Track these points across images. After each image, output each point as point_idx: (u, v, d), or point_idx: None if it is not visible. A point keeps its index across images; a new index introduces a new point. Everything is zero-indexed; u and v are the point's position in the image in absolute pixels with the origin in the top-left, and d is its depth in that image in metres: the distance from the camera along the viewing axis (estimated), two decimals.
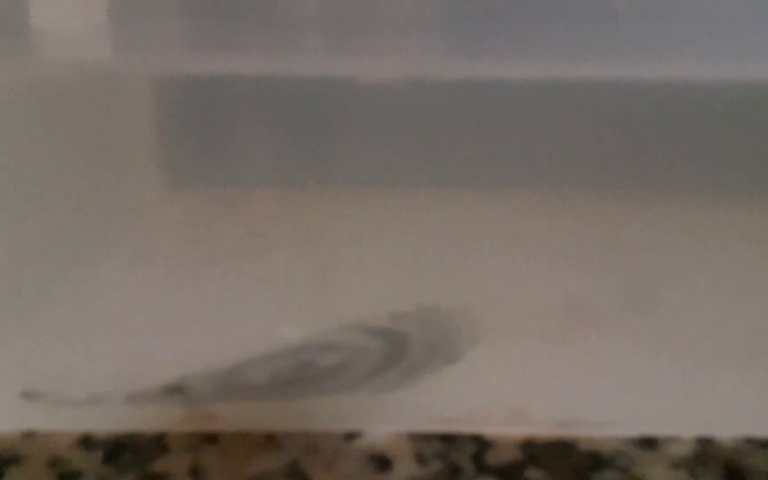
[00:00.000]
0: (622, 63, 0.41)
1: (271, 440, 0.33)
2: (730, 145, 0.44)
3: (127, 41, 0.43)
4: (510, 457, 0.32)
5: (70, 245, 0.41)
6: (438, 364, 0.34)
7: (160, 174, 0.48)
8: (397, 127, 0.47)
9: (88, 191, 0.42)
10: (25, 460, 0.33)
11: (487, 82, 0.44)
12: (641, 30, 0.40)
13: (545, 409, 0.34)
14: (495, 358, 0.35)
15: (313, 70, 0.43)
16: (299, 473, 0.32)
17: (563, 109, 0.45)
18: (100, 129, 0.43)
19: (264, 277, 0.41)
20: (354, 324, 0.35)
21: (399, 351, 0.34)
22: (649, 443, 0.33)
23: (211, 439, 0.33)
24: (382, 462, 0.32)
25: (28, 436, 0.34)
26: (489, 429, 0.33)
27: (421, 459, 0.32)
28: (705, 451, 0.33)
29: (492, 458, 0.32)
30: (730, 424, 0.34)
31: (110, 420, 0.34)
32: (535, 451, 0.33)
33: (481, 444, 0.33)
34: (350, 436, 0.33)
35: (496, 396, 0.34)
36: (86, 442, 0.34)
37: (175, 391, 0.33)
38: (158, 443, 0.33)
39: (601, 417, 0.34)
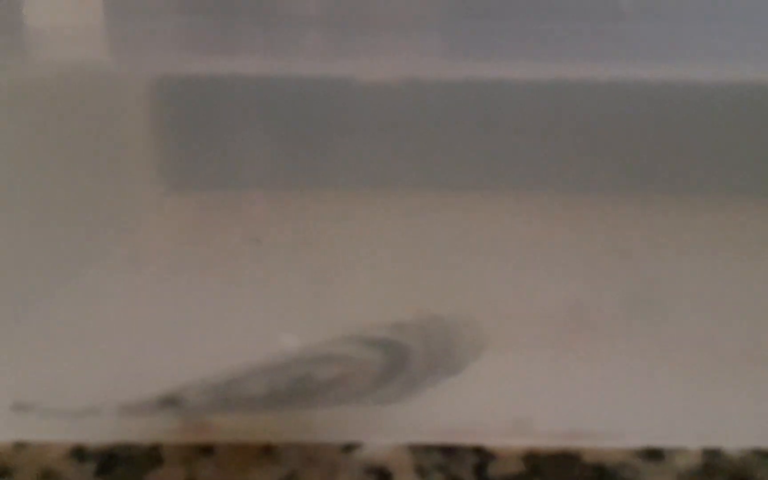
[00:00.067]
0: (627, 64, 0.40)
1: (268, 452, 0.32)
2: (737, 148, 0.43)
3: (123, 41, 0.43)
4: (512, 470, 0.32)
5: (63, 250, 0.40)
6: (439, 376, 0.33)
7: (156, 177, 0.47)
8: (397, 129, 0.47)
9: (83, 195, 0.41)
10: (16, 472, 0.32)
11: (488, 82, 0.43)
12: (646, 30, 0.39)
13: (548, 420, 0.33)
14: (497, 367, 0.35)
15: (311, 70, 0.42)
16: None
17: (565, 111, 0.45)
18: (95, 131, 0.43)
19: (262, 282, 0.41)
20: (353, 335, 0.34)
21: (399, 363, 0.33)
22: (655, 455, 0.33)
23: (206, 450, 0.33)
24: (381, 474, 0.32)
25: (20, 447, 0.33)
26: (491, 441, 0.33)
27: (421, 471, 0.32)
28: (712, 463, 0.32)
29: (494, 471, 0.32)
30: (738, 435, 0.33)
31: (103, 431, 0.33)
32: (538, 464, 0.32)
33: (482, 456, 0.32)
34: (349, 448, 0.33)
35: (498, 406, 0.34)
36: (79, 453, 0.33)
37: (171, 403, 0.32)
38: (152, 455, 0.33)
39: (605, 428, 0.33)
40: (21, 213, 0.39)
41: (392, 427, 0.33)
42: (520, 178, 0.46)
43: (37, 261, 0.39)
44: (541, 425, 0.33)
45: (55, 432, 0.33)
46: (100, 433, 0.33)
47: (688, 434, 0.33)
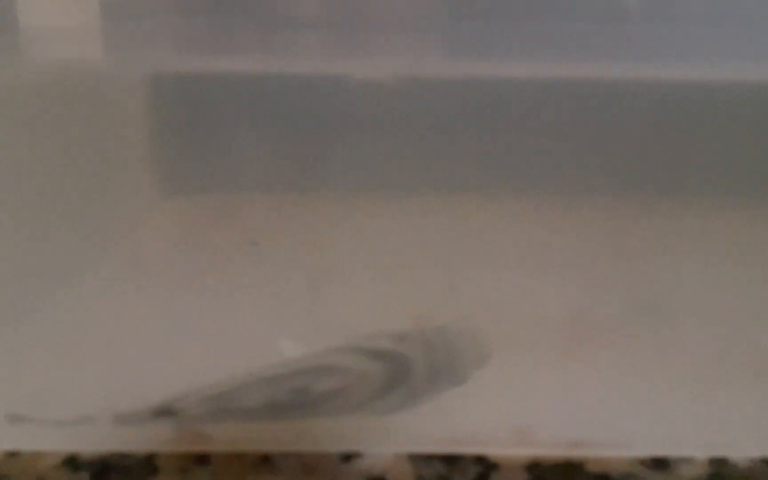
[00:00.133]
0: (630, 63, 0.40)
1: (265, 462, 0.32)
2: (742, 150, 0.43)
3: (119, 40, 0.42)
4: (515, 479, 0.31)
5: (57, 256, 0.39)
6: (442, 387, 0.33)
7: (152, 180, 0.47)
8: (397, 131, 0.46)
9: (77, 199, 0.41)
10: None
11: (489, 82, 0.43)
12: (649, 30, 0.39)
13: (552, 429, 0.33)
14: (498, 374, 0.34)
15: (310, 68, 0.42)
16: None
17: (568, 112, 0.44)
18: (90, 133, 0.42)
19: (260, 287, 0.40)
20: (354, 346, 0.33)
21: (401, 375, 0.33)
22: (660, 464, 0.32)
23: (202, 459, 0.32)
24: None
25: (12, 456, 0.33)
26: (493, 450, 0.32)
27: None
28: (719, 472, 0.32)
29: None
30: (745, 443, 0.33)
31: (97, 440, 0.33)
32: (542, 473, 0.32)
33: (485, 466, 0.32)
34: (348, 458, 0.32)
35: (500, 414, 0.33)
36: (72, 462, 0.32)
37: (167, 413, 0.32)
38: (147, 464, 0.32)
39: (610, 437, 0.33)
40: (14, 218, 0.38)
41: (392, 436, 0.32)
42: (522, 180, 0.45)
43: (31, 267, 0.38)
44: (544, 434, 0.33)
45: (49, 441, 0.33)
46: (94, 443, 0.33)
47: (694, 443, 0.33)
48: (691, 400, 0.34)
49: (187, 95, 0.45)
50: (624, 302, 0.39)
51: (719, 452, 0.32)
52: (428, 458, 0.32)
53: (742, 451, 0.32)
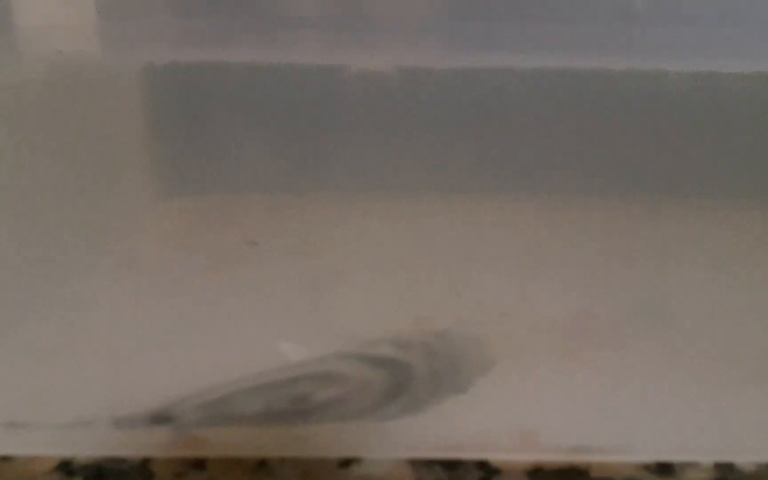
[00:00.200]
0: (634, 60, 0.40)
1: (262, 467, 0.31)
2: (748, 150, 0.42)
3: (115, 39, 0.42)
4: None
5: (52, 258, 0.39)
6: (444, 395, 0.32)
7: (149, 181, 0.46)
8: (397, 130, 0.46)
9: (73, 200, 0.40)
10: None
11: (490, 81, 0.42)
12: (653, 26, 0.38)
13: (555, 434, 0.32)
14: (501, 378, 0.34)
15: (309, 59, 0.41)
16: None
17: (570, 111, 0.44)
18: (85, 133, 0.42)
19: (259, 290, 0.39)
20: (355, 353, 0.33)
21: (402, 383, 0.32)
22: (665, 470, 0.32)
23: (198, 464, 0.32)
24: None
25: (6, 460, 0.32)
26: (495, 455, 0.32)
27: None
28: (725, 477, 0.31)
29: None
30: (751, 448, 0.32)
31: (92, 444, 0.32)
32: (545, 479, 0.31)
33: (487, 471, 0.31)
34: (347, 463, 0.31)
35: (503, 419, 0.33)
36: (66, 467, 0.32)
37: (164, 420, 0.31)
38: (142, 469, 0.32)
39: (614, 442, 0.32)
40: (7, 219, 0.37)
41: (392, 441, 0.32)
42: (524, 180, 0.45)
43: (26, 270, 0.38)
44: (547, 439, 0.32)
45: (43, 446, 0.32)
46: (88, 447, 0.32)
47: (699, 448, 0.32)
48: (696, 404, 0.34)
49: (185, 93, 0.44)
50: (628, 305, 0.38)
51: (725, 457, 0.32)
52: (429, 463, 0.32)
53: (748, 455, 0.32)
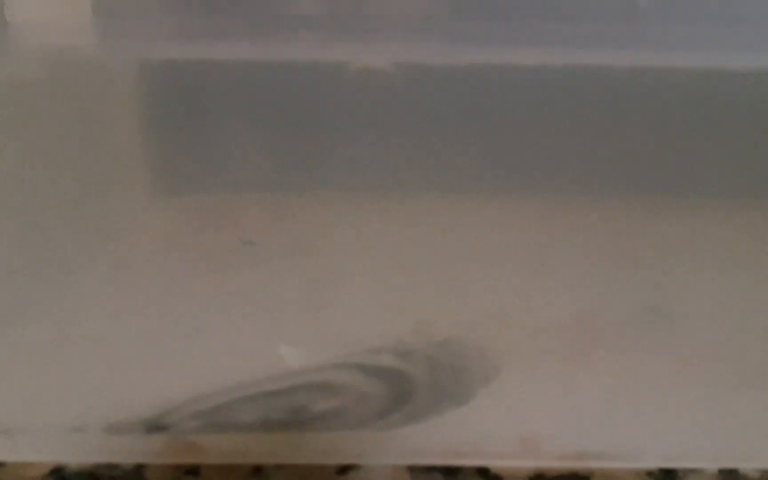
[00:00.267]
0: (639, 56, 0.39)
1: (258, 473, 0.31)
2: (757, 149, 0.41)
3: (111, 35, 0.41)
4: None
5: (46, 260, 0.38)
6: (446, 407, 0.32)
7: (145, 180, 0.45)
8: (397, 124, 0.45)
9: (66, 199, 0.39)
10: None
11: (491, 81, 0.42)
12: (659, 21, 0.38)
13: (557, 440, 0.32)
14: (502, 384, 0.33)
15: (306, 61, 0.41)
16: None
17: (574, 108, 0.43)
18: (80, 131, 0.41)
19: (256, 292, 0.39)
20: (354, 362, 0.32)
21: (403, 395, 0.31)
22: (669, 476, 0.31)
23: (193, 471, 0.31)
24: None
25: None
26: (496, 461, 0.31)
27: None
28: None
29: None
30: (756, 454, 0.32)
31: (84, 450, 0.32)
32: None
33: (487, 478, 0.31)
34: (344, 470, 0.31)
35: (504, 425, 0.32)
36: (59, 473, 0.32)
37: (158, 427, 0.31)
38: (136, 476, 0.31)
39: (617, 448, 0.32)
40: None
41: (392, 448, 0.31)
42: (527, 180, 0.44)
43: (17, 271, 0.37)
44: (549, 445, 0.32)
45: (35, 452, 0.32)
46: (80, 453, 0.32)
47: (703, 454, 0.32)
48: (701, 410, 0.33)
49: (182, 90, 0.44)
50: (631, 308, 0.38)
51: (729, 463, 0.32)
52: (428, 470, 0.31)
53: (752, 462, 0.32)
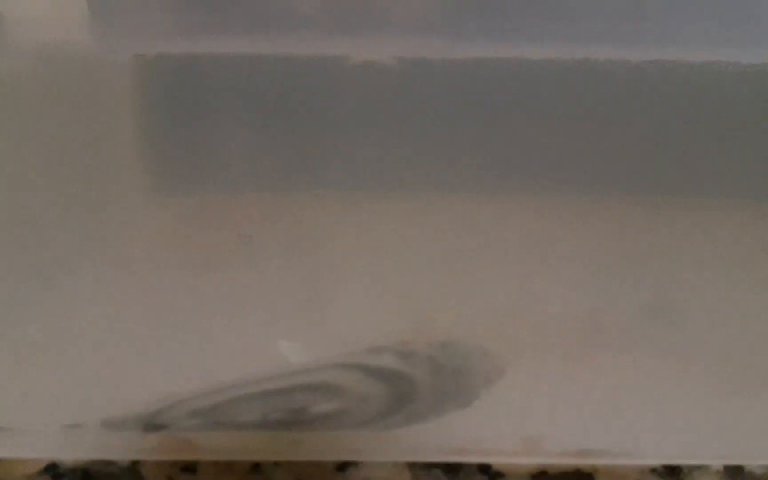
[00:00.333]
0: (647, 50, 0.39)
1: (256, 471, 0.31)
2: (763, 148, 0.41)
3: (106, 29, 0.41)
4: None
5: (40, 256, 0.38)
6: (448, 409, 0.31)
7: (141, 178, 0.45)
8: (399, 120, 0.45)
9: (62, 196, 0.39)
10: None
11: (497, 72, 0.42)
12: (669, 16, 0.37)
13: (560, 437, 0.32)
14: (504, 381, 0.33)
15: (306, 55, 0.41)
16: None
17: (578, 104, 0.43)
18: (75, 127, 0.41)
19: (254, 291, 0.39)
20: (355, 362, 0.32)
21: (405, 398, 0.31)
22: (673, 473, 0.31)
23: (189, 468, 0.31)
24: None
25: None
26: (498, 459, 0.31)
27: None
28: None
29: None
30: (761, 451, 0.32)
31: (79, 447, 0.31)
32: None
33: (489, 475, 0.31)
34: (344, 467, 0.31)
35: (506, 422, 0.32)
36: (53, 470, 0.31)
37: (154, 426, 0.30)
38: (131, 473, 0.31)
39: (620, 445, 0.32)
40: None
41: (392, 446, 0.31)
42: (530, 178, 0.44)
43: (12, 268, 0.37)
44: (552, 442, 0.32)
45: (30, 448, 0.32)
46: (75, 449, 0.32)
47: (708, 451, 0.32)
48: (705, 407, 0.33)
49: (178, 86, 0.43)
50: (635, 306, 0.37)
51: (734, 460, 0.32)
52: (429, 467, 0.31)
53: (757, 458, 0.32)
